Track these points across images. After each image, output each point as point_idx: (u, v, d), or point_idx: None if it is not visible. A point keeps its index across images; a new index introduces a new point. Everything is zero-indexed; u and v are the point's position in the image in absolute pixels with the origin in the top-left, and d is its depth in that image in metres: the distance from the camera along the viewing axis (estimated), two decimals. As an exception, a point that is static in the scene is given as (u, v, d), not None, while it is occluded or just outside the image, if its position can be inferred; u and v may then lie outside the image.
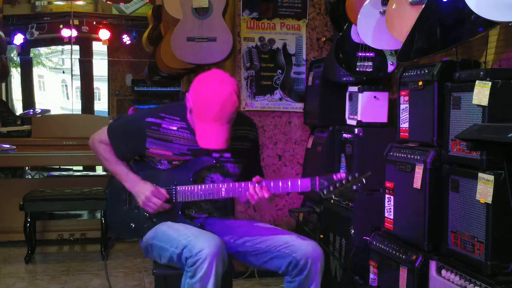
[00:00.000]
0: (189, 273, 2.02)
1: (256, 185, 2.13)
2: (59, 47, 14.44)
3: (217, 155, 2.28)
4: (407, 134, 2.55)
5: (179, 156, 2.26)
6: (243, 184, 2.17)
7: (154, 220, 2.28)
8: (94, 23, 8.99)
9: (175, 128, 2.25)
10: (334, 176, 2.07)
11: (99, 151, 2.36)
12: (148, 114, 2.27)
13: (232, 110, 2.08)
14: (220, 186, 2.20)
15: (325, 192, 2.09)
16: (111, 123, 2.39)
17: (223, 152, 2.27)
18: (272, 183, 2.13)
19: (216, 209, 2.38)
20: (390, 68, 2.93)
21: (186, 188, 2.24)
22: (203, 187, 2.22)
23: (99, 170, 6.98)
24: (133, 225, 2.31)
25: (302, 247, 2.14)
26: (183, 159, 2.27)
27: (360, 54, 2.94)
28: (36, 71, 15.55)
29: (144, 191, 2.24)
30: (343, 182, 2.07)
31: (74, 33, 8.49)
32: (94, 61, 10.42)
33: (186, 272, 2.04)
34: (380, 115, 3.05)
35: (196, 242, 2.03)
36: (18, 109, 9.95)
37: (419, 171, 2.34)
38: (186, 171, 2.26)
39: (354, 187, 2.10)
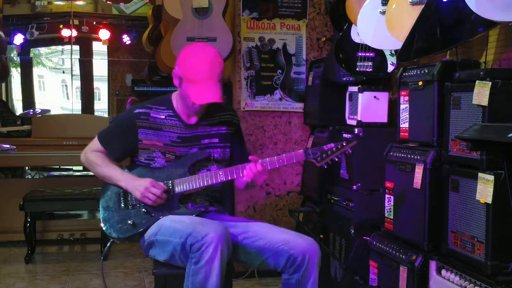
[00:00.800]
0: (194, 259, 2.02)
1: (252, 163, 2.22)
2: (59, 47, 14.46)
3: (207, 141, 2.37)
4: (407, 134, 2.55)
5: (170, 147, 2.32)
6: (240, 166, 2.26)
7: (153, 214, 2.29)
8: (94, 23, 9.00)
9: (163, 116, 2.35)
10: (325, 147, 2.28)
11: (91, 159, 2.41)
12: (135, 107, 2.37)
13: (221, 68, 2.24)
14: (217, 170, 2.27)
15: (318, 160, 2.27)
16: (100, 131, 2.46)
17: (211, 138, 2.37)
18: (268, 159, 2.24)
19: (211, 203, 2.39)
20: (390, 68, 2.93)
21: (184, 178, 2.29)
22: (200, 174, 2.28)
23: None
24: (131, 222, 2.31)
25: (299, 243, 2.17)
26: (174, 150, 2.32)
27: (360, 54, 2.93)
28: (36, 71, 15.55)
29: (142, 184, 2.27)
30: (333, 150, 2.27)
31: (74, 33, 8.50)
32: (94, 61, 10.42)
33: (190, 259, 2.04)
34: (380, 115, 3.05)
35: (201, 228, 2.05)
36: (18, 109, 9.95)
37: (419, 171, 2.34)
38: (181, 166, 2.31)
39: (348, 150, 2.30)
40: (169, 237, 2.16)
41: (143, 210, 2.31)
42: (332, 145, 2.27)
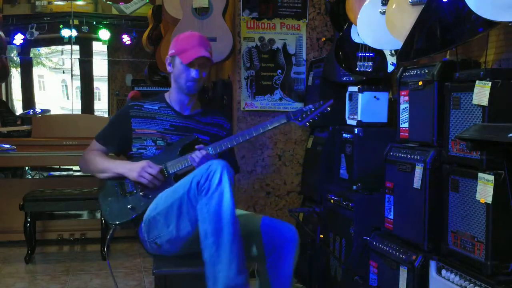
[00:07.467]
0: (204, 191, 2.05)
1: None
2: (59, 47, 14.45)
3: (198, 136, 2.45)
4: (407, 134, 2.55)
5: (163, 133, 2.43)
6: (227, 139, 2.34)
7: (150, 196, 2.34)
8: (94, 23, 9.00)
9: (156, 107, 2.52)
10: (304, 108, 2.42)
11: (89, 158, 2.51)
12: (129, 102, 2.55)
13: (210, 45, 2.44)
14: (207, 147, 2.32)
15: (299, 119, 2.39)
16: (97, 133, 2.59)
17: (203, 135, 2.47)
18: (253, 128, 2.33)
19: None
20: (390, 68, 2.93)
21: (175, 159, 2.36)
22: (191, 153, 2.32)
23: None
24: (130, 206, 2.35)
25: (277, 228, 2.24)
26: (166, 137, 2.42)
27: (360, 54, 2.94)
28: (36, 71, 15.57)
29: (138, 165, 2.35)
30: (312, 109, 2.40)
31: (74, 33, 8.51)
32: (94, 61, 10.44)
33: (200, 195, 2.06)
34: (380, 115, 3.05)
35: (202, 167, 2.11)
36: (18, 109, 9.96)
37: (419, 171, 2.34)
38: (172, 152, 2.39)
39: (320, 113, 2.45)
40: (170, 198, 2.19)
41: (141, 193, 2.37)
42: (310, 106, 2.41)
